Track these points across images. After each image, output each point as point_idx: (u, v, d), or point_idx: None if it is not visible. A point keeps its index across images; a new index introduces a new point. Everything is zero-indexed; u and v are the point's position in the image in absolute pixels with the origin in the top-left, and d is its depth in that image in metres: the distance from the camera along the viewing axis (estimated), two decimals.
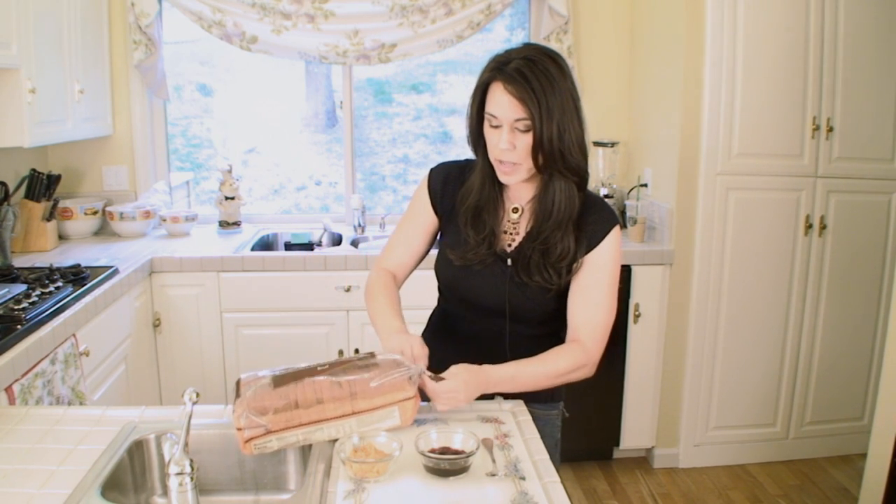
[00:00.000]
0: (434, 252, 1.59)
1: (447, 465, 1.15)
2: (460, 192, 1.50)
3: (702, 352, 2.92)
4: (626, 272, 2.85)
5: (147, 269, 2.64)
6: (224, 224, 3.14)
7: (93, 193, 3.17)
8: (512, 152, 1.36)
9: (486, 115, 1.38)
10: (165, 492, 1.05)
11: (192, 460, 1.03)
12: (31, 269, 2.33)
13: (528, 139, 1.35)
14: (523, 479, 1.16)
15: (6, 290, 2.00)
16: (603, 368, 2.97)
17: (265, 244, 3.12)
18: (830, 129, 2.80)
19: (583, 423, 2.97)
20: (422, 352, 1.35)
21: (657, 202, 2.97)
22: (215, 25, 2.98)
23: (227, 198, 3.12)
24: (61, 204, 2.91)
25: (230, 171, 3.15)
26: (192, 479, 1.03)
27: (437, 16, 3.05)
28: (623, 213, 3.19)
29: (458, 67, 3.42)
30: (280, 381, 1.24)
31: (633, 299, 2.87)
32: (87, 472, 1.16)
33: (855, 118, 2.81)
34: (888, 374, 2.18)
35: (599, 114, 3.31)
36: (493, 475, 1.17)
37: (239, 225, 3.15)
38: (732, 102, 2.74)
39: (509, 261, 1.46)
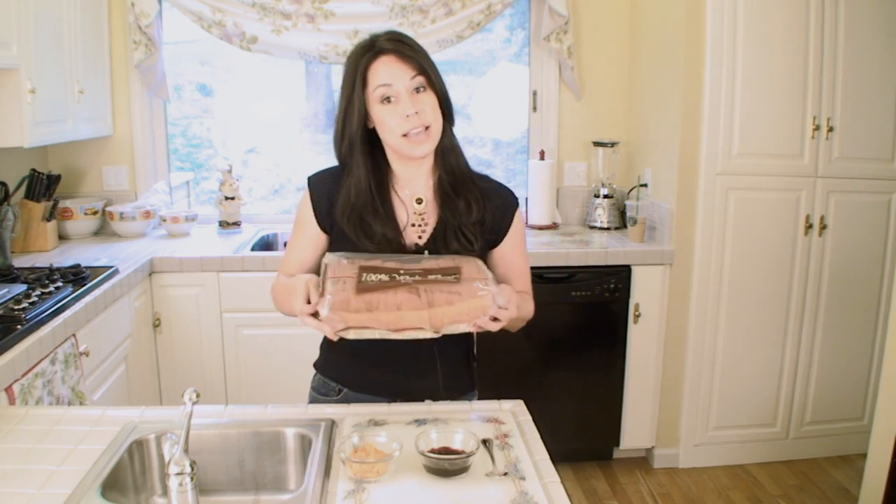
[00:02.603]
0: None
1: (447, 465, 1.15)
2: (338, 210, 1.42)
3: (702, 352, 2.92)
4: (626, 272, 2.85)
5: (147, 269, 2.64)
6: (224, 224, 3.14)
7: (93, 193, 3.17)
8: (421, 115, 1.34)
9: (377, 94, 1.34)
10: (165, 492, 1.05)
11: (192, 460, 1.03)
12: (31, 269, 2.33)
13: (428, 98, 1.35)
14: (523, 479, 1.16)
15: (6, 290, 2.00)
16: (603, 368, 3.01)
17: (265, 244, 3.12)
18: (830, 129, 2.80)
19: (583, 423, 2.98)
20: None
21: (657, 202, 2.97)
22: (215, 25, 2.98)
23: (227, 198, 3.12)
24: (61, 204, 2.91)
25: (230, 171, 3.15)
26: (192, 479, 1.03)
27: (437, 16, 3.05)
28: (623, 213, 3.19)
29: (458, 67, 3.42)
30: (363, 288, 1.26)
31: (633, 299, 2.87)
32: (87, 472, 1.16)
33: (855, 118, 2.81)
34: (888, 374, 2.18)
35: (599, 114, 3.32)
36: (493, 475, 1.17)
37: (239, 225, 3.15)
38: (732, 102, 2.74)
39: (426, 253, 1.42)
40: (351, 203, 1.40)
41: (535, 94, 3.33)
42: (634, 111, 3.27)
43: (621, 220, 3.21)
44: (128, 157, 3.18)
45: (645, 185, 3.09)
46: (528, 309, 1.51)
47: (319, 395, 1.55)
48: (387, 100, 1.34)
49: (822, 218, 2.87)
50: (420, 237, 1.44)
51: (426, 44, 3.22)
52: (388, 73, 1.33)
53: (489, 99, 3.42)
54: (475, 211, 1.43)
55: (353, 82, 1.37)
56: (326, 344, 1.58)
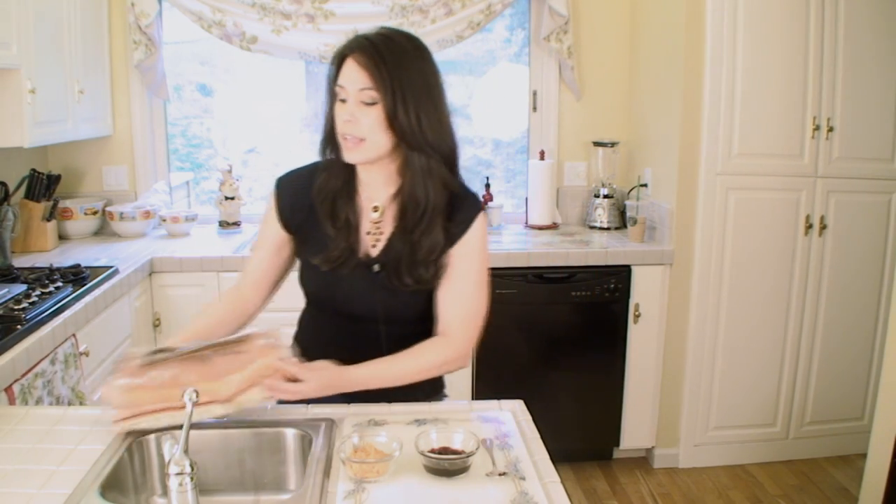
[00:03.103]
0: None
1: (447, 465, 1.15)
2: (314, 190, 1.42)
3: (702, 352, 2.92)
4: (626, 272, 2.85)
5: (147, 269, 2.64)
6: (224, 224, 3.14)
7: (93, 193, 3.17)
8: (354, 125, 1.31)
9: (336, 90, 1.34)
10: (165, 492, 1.05)
11: (192, 460, 1.03)
12: (31, 269, 2.33)
13: (373, 113, 1.30)
14: (523, 479, 1.16)
15: (6, 290, 2.00)
16: (603, 368, 3.00)
17: None
18: (830, 129, 2.80)
19: (583, 423, 2.98)
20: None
21: (657, 202, 2.97)
22: (215, 25, 2.98)
23: (227, 198, 3.12)
24: (61, 204, 2.91)
25: (230, 172, 3.15)
26: (192, 479, 1.03)
27: (437, 16, 3.05)
28: (623, 213, 3.19)
29: (458, 67, 3.42)
30: (152, 364, 1.23)
31: (633, 299, 2.87)
32: (87, 472, 1.16)
33: (855, 118, 2.81)
34: (888, 374, 2.18)
35: (599, 114, 3.31)
36: (493, 475, 1.17)
37: (239, 225, 3.15)
38: (732, 102, 2.73)
39: (376, 266, 1.40)
40: (327, 184, 1.41)
41: (535, 94, 3.33)
42: (634, 111, 3.27)
43: (621, 220, 3.21)
44: (128, 157, 3.18)
45: (645, 185, 3.08)
46: (419, 366, 1.39)
47: None
48: (342, 99, 1.33)
49: (822, 218, 2.87)
50: (374, 246, 1.43)
51: (426, 44, 3.22)
52: (345, 76, 1.32)
53: (489, 99, 3.42)
54: (429, 251, 1.37)
55: (328, 78, 1.37)
56: (299, 328, 1.59)
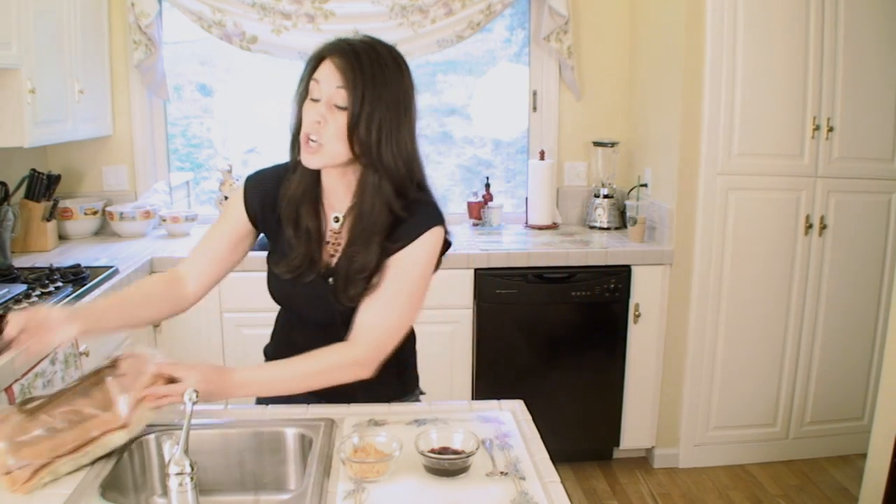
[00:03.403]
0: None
1: (447, 465, 1.15)
2: (280, 193, 1.40)
3: (702, 352, 2.92)
4: (626, 272, 2.85)
5: (147, 269, 2.64)
6: None
7: (93, 193, 3.17)
8: (321, 128, 1.27)
9: (311, 86, 1.29)
10: (165, 492, 1.05)
11: (192, 460, 1.03)
12: (31, 269, 2.33)
13: (339, 119, 1.27)
14: (523, 479, 1.16)
15: (6, 290, 2.00)
16: (603, 368, 3.00)
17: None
18: (830, 129, 2.80)
19: (583, 423, 2.98)
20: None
21: (657, 202, 2.97)
22: (215, 25, 2.98)
23: (227, 198, 3.12)
24: (61, 204, 2.91)
25: (230, 172, 3.15)
26: (192, 479, 1.03)
27: (437, 16, 3.05)
28: (623, 213, 3.19)
29: (457, 67, 3.42)
30: (32, 413, 1.16)
31: (633, 299, 2.87)
32: (87, 472, 1.16)
33: (855, 118, 2.81)
34: (888, 374, 2.18)
35: (599, 114, 3.32)
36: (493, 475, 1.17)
37: None
38: (732, 102, 2.73)
39: (330, 279, 1.37)
40: (291, 189, 1.39)
41: (535, 94, 3.33)
42: (634, 111, 3.27)
43: (621, 220, 3.21)
44: (128, 157, 3.18)
45: (645, 185, 3.08)
46: (314, 368, 1.32)
47: None
48: (314, 99, 1.29)
49: (822, 218, 2.87)
50: (332, 256, 1.40)
51: (426, 43, 3.24)
52: (321, 73, 1.29)
53: (489, 99, 3.42)
54: (360, 269, 1.33)
55: (302, 76, 1.33)
56: (274, 331, 1.59)
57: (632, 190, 3.13)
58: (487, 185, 3.27)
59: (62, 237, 2.96)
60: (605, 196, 3.21)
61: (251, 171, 1.52)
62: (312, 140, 1.28)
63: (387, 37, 1.40)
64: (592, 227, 3.24)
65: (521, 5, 3.30)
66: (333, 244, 1.41)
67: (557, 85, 3.29)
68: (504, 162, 3.53)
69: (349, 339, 1.34)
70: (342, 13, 3.02)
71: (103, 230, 3.09)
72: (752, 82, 2.73)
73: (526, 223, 3.28)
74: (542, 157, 3.23)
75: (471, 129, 3.46)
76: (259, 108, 3.46)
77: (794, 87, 2.76)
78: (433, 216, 1.37)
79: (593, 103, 3.31)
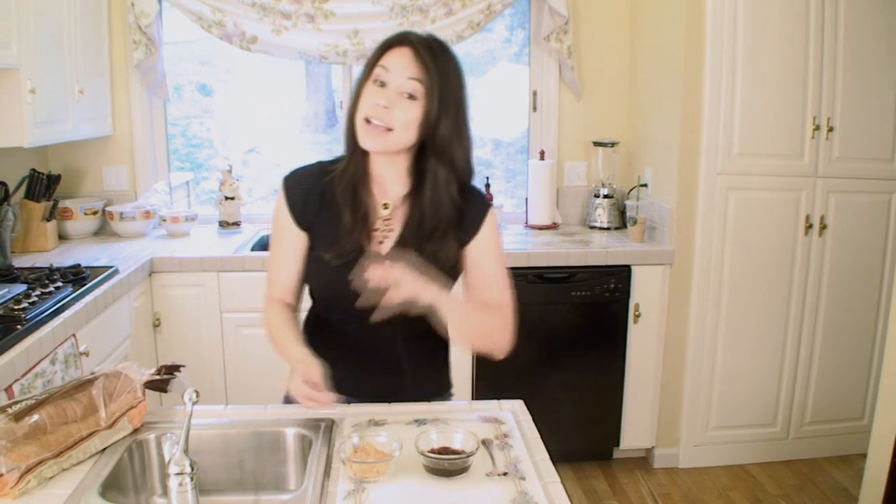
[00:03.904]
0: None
1: (447, 465, 1.15)
2: (331, 180, 1.40)
3: (702, 352, 2.92)
4: (626, 272, 2.85)
5: (147, 269, 2.64)
6: (224, 224, 3.14)
7: (93, 193, 3.17)
8: (388, 113, 1.28)
9: (376, 72, 1.30)
10: (165, 492, 1.05)
11: (192, 460, 1.03)
12: (31, 269, 2.33)
13: (411, 110, 1.28)
14: (523, 479, 1.16)
15: (6, 290, 2.00)
16: (603, 368, 3.00)
17: (265, 244, 3.12)
18: (830, 129, 2.80)
19: (583, 423, 2.97)
20: (318, 376, 1.27)
21: (657, 202, 2.97)
22: (215, 25, 2.98)
23: (226, 198, 3.12)
24: (61, 204, 2.91)
25: (230, 172, 3.15)
26: (192, 479, 1.03)
27: (437, 16, 3.05)
28: (623, 213, 3.19)
29: None
30: (18, 414, 1.15)
31: (633, 299, 2.87)
32: (87, 472, 1.16)
33: (855, 118, 2.81)
34: (888, 374, 2.18)
35: (599, 114, 3.32)
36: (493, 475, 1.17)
37: (239, 225, 3.15)
38: (732, 102, 2.74)
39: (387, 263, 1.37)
40: (348, 171, 1.39)
41: (535, 94, 3.33)
42: (634, 111, 3.27)
43: (621, 220, 3.21)
44: (128, 157, 3.18)
45: (645, 185, 3.09)
46: (488, 323, 1.40)
47: None
48: (380, 83, 1.30)
49: (822, 218, 2.87)
50: (381, 243, 1.40)
51: None
52: (392, 61, 1.30)
53: (489, 99, 3.43)
54: (444, 262, 1.37)
55: (368, 62, 1.35)
56: (306, 332, 1.55)
57: (632, 190, 3.14)
58: (487, 185, 3.27)
59: (62, 237, 2.96)
60: (605, 196, 3.21)
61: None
62: (375, 122, 1.29)
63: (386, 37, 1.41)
64: (592, 227, 3.24)
65: (521, 5, 3.30)
66: (383, 231, 1.40)
67: (557, 85, 3.29)
68: (504, 162, 3.53)
69: (500, 307, 1.42)
70: (342, 13, 3.02)
71: (103, 230, 3.09)
72: (752, 82, 2.73)
73: (526, 223, 3.28)
74: (542, 157, 3.23)
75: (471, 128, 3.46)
76: (259, 108, 3.47)
77: (794, 87, 2.76)
78: (483, 202, 1.44)
79: (593, 103, 3.31)
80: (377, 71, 1.31)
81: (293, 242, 1.43)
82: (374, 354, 1.45)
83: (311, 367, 1.28)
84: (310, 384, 1.24)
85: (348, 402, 1.42)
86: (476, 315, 1.40)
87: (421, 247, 1.36)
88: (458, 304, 1.37)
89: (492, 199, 3.25)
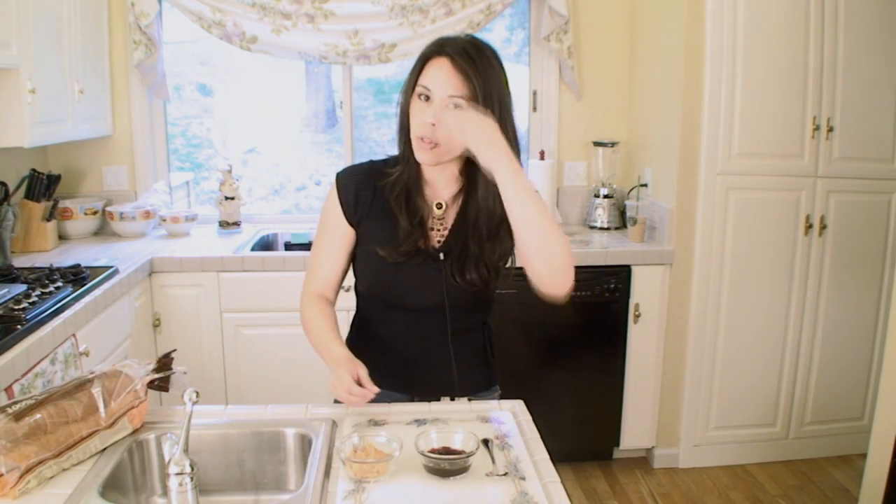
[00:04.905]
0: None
1: (447, 465, 1.15)
2: (385, 184, 1.44)
3: (702, 352, 2.92)
4: (626, 272, 2.85)
5: (147, 269, 2.64)
6: (224, 224, 3.14)
7: (93, 193, 3.17)
8: (434, 130, 1.32)
9: (418, 89, 1.34)
10: (165, 492, 1.05)
11: (192, 460, 1.03)
12: (31, 269, 2.33)
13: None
14: (523, 479, 1.16)
15: (6, 290, 2.00)
16: (603, 368, 3.00)
17: (265, 244, 3.12)
18: (830, 129, 2.80)
19: (583, 423, 2.97)
20: (365, 374, 1.32)
21: (657, 202, 2.97)
22: (215, 25, 2.98)
23: (227, 198, 3.12)
24: (61, 204, 2.91)
25: (230, 172, 3.15)
26: (192, 479, 1.03)
27: (437, 16, 3.05)
28: (623, 213, 3.19)
29: None
30: (18, 414, 1.15)
31: (633, 299, 2.87)
32: (87, 472, 1.16)
33: (855, 118, 2.81)
34: (888, 374, 2.18)
35: (599, 114, 3.32)
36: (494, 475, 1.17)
37: (239, 225, 3.15)
38: (732, 102, 2.74)
39: (441, 255, 1.42)
40: (400, 180, 1.43)
41: (535, 94, 3.33)
42: (634, 111, 3.27)
43: (621, 220, 3.21)
44: (128, 157, 3.18)
45: (645, 185, 3.09)
46: (555, 230, 1.33)
47: None
48: (425, 98, 1.34)
49: (822, 218, 2.87)
50: (439, 241, 1.45)
51: (426, 44, 3.23)
52: (432, 78, 1.32)
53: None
54: (500, 257, 1.43)
55: (411, 73, 1.38)
56: (353, 331, 1.59)
57: (632, 190, 3.14)
58: None
59: (62, 237, 2.96)
60: (605, 196, 3.21)
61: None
62: (426, 139, 1.34)
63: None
64: (592, 227, 3.24)
65: (521, 5, 3.30)
66: (438, 230, 1.45)
67: (557, 85, 3.29)
68: None
69: None
70: (342, 13, 3.02)
71: (103, 230, 3.09)
72: (752, 82, 2.73)
73: None
74: (542, 157, 3.23)
75: None
76: (259, 108, 3.47)
77: (794, 87, 2.76)
78: None
79: (593, 103, 3.31)
80: (420, 90, 1.34)
81: (340, 238, 1.47)
82: (422, 350, 1.47)
83: (355, 366, 1.32)
84: (355, 382, 1.29)
85: (394, 399, 1.45)
86: (545, 210, 1.31)
87: (480, 245, 1.40)
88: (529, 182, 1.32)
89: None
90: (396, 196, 1.43)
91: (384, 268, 1.42)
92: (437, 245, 1.44)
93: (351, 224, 1.46)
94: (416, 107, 1.35)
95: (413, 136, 1.36)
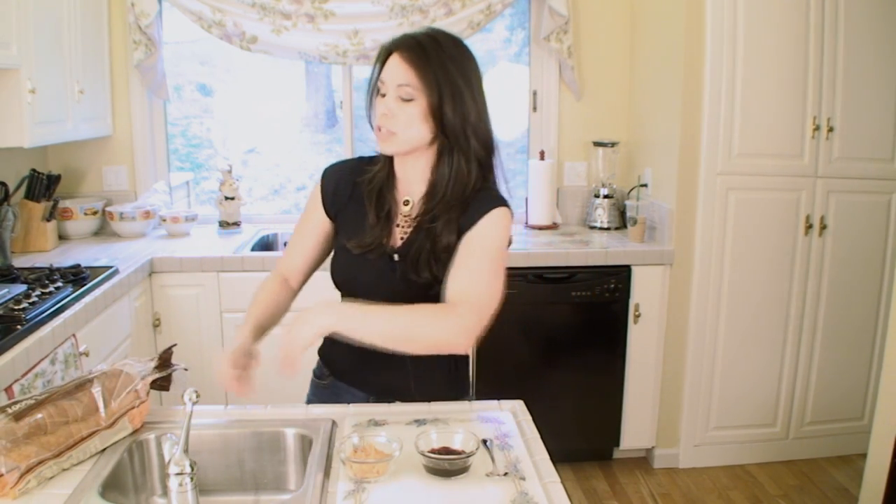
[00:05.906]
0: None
1: (447, 465, 1.15)
2: (364, 179, 1.48)
3: (702, 352, 2.92)
4: (626, 272, 2.85)
5: (147, 269, 2.64)
6: (224, 224, 3.14)
7: (93, 193, 3.17)
8: (390, 119, 1.36)
9: (378, 85, 1.39)
10: (165, 492, 1.05)
11: (192, 460, 1.03)
12: (31, 270, 2.33)
13: (409, 109, 1.35)
14: (523, 479, 1.16)
15: (6, 290, 2.00)
16: (603, 368, 3.00)
17: (265, 244, 3.12)
18: (830, 129, 2.80)
19: (583, 423, 2.98)
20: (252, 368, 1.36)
21: (657, 202, 2.97)
22: (215, 25, 2.98)
23: (226, 198, 3.12)
24: (61, 204, 2.91)
25: (230, 172, 3.15)
26: (192, 479, 1.03)
27: (437, 16, 3.05)
28: (623, 213, 3.19)
29: None
30: (18, 414, 1.15)
31: (633, 299, 2.87)
32: (87, 473, 1.16)
33: (855, 118, 2.81)
34: (888, 374, 2.18)
35: (599, 114, 3.32)
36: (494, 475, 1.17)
37: (239, 225, 3.15)
38: (732, 102, 2.74)
39: (396, 256, 1.43)
40: (375, 173, 1.48)
41: (535, 94, 3.33)
42: (634, 111, 3.27)
43: (621, 220, 3.21)
44: (128, 157, 3.18)
45: (645, 185, 3.09)
46: (409, 320, 1.29)
47: (315, 377, 1.60)
48: (382, 94, 1.39)
49: (822, 218, 2.87)
50: (402, 239, 1.45)
51: None
52: (387, 71, 1.37)
53: (489, 99, 3.42)
54: (444, 242, 1.38)
55: (372, 72, 1.42)
56: None
57: (632, 190, 3.14)
58: None
59: (62, 237, 2.96)
60: (605, 196, 3.21)
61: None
62: (383, 129, 1.38)
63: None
64: (592, 227, 3.24)
65: (521, 5, 3.30)
66: (403, 227, 1.47)
67: (557, 85, 3.29)
68: (504, 162, 3.53)
69: (447, 304, 1.33)
70: (342, 13, 3.02)
71: (103, 230, 3.09)
72: (752, 82, 2.73)
73: (526, 223, 3.28)
74: (542, 157, 3.23)
75: None
76: (259, 108, 3.47)
77: (794, 87, 2.76)
78: (497, 198, 1.43)
79: (593, 103, 3.31)
80: (378, 84, 1.40)
81: (314, 227, 1.53)
82: (377, 350, 1.44)
83: (246, 357, 1.38)
84: (237, 369, 1.33)
85: (354, 397, 1.46)
86: (389, 315, 1.29)
87: (429, 227, 1.41)
88: (356, 309, 1.31)
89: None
90: (370, 190, 1.47)
91: (348, 260, 1.47)
92: (398, 243, 1.45)
93: (329, 215, 1.51)
94: (377, 101, 1.40)
95: (374, 129, 1.41)
